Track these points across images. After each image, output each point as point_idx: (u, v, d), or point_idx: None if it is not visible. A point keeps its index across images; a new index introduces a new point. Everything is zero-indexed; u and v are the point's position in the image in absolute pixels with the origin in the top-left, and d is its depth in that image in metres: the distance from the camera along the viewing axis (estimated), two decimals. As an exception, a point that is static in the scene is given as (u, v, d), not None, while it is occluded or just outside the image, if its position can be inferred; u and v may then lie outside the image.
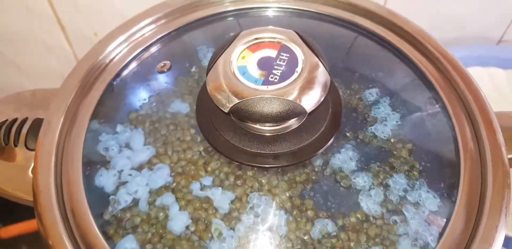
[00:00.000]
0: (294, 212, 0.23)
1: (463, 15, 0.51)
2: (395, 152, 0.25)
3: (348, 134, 0.26)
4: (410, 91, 0.28)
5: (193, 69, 0.29)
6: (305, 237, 0.23)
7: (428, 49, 0.29)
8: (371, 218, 0.23)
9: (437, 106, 0.27)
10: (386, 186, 0.24)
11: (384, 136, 0.26)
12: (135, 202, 0.24)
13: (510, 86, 0.51)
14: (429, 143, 0.26)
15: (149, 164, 0.26)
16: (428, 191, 0.24)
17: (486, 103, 0.26)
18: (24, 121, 0.28)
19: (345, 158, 0.25)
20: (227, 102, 0.21)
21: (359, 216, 0.23)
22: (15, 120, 0.28)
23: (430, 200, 0.24)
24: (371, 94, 0.27)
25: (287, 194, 0.24)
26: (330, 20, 0.31)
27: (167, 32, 0.31)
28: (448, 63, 0.28)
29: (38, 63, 0.52)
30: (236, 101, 0.21)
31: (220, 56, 0.22)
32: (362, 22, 0.30)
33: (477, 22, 0.53)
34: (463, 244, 0.22)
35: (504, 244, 0.39)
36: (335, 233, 0.23)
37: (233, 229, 0.23)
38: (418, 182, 0.24)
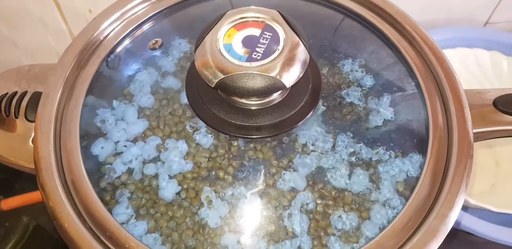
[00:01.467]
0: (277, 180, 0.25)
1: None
2: (368, 123, 0.27)
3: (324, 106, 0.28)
4: (387, 69, 0.30)
5: (183, 47, 0.30)
6: (286, 203, 0.25)
7: (406, 29, 0.30)
8: (345, 187, 0.25)
9: (412, 83, 0.29)
10: (358, 154, 0.26)
11: (359, 108, 0.28)
12: (130, 171, 0.26)
13: (493, 66, 0.52)
14: (401, 116, 0.28)
15: (143, 137, 0.28)
16: (397, 159, 0.26)
17: (457, 80, 0.28)
18: (24, 94, 0.30)
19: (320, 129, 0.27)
20: (213, 78, 0.23)
21: (333, 184, 0.26)
22: (15, 93, 0.30)
23: (399, 168, 0.26)
24: (350, 72, 0.29)
25: (271, 162, 0.26)
26: (314, 0, 0.32)
27: (159, 10, 0.32)
28: (424, 43, 0.29)
29: (35, 40, 0.53)
30: (222, 76, 0.23)
31: (207, 34, 0.24)
32: (345, 3, 0.32)
33: (465, 4, 0.55)
34: (427, 207, 0.24)
35: (488, 218, 0.42)
36: (313, 203, 0.25)
37: (221, 196, 0.25)
38: (388, 152, 0.26)
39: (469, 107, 0.27)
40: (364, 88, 0.29)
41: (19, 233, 0.52)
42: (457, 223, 0.42)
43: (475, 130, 0.27)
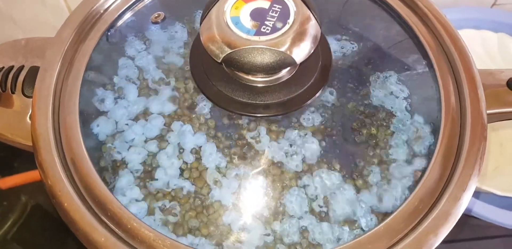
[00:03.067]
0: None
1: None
2: (381, 105, 0.26)
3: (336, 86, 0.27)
4: (400, 48, 0.29)
5: (187, 20, 0.29)
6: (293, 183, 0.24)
7: (420, 8, 0.29)
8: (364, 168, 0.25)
9: (424, 62, 0.28)
10: (375, 137, 0.25)
11: (372, 90, 0.27)
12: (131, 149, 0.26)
13: (500, 48, 0.51)
14: (414, 96, 0.27)
15: (144, 115, 0.27)
16: (409, 141, 0.25)
17: (471, 60, 0.27)
18: (21, 68, 0.29)
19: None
20: (219, 52, 0.22)
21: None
22: (11, 67, 0.29)
23: (411, 149, 0.25)
24: (361, 50, 0.28)
25: (278, 142, 0.25)
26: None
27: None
28: (437, 22, 0.28)
29: (33, 15, 0.51)
30: (229, 51, 0.22)
31: (213, 6, 0.23)
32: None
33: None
34: (439, 189, 0.24)
35: (491, 201, 0.42)
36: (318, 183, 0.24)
37: (225, 175, 0.24)
38: (401, 133, 0.26)
39: (483, 87, 0.26)
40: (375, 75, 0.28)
41: (18, 212, 0.52)
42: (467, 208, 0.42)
43: (488, 111, 0.26)
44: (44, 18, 0.51)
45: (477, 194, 0.44)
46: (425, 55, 0.28)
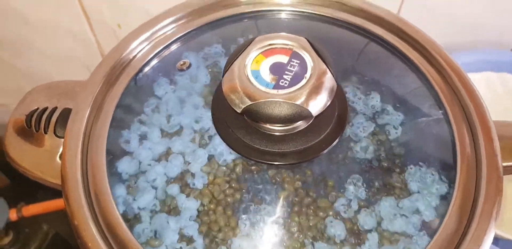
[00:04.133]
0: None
1: (479, 19, 0.52)
2: (395, 155, 0.27)
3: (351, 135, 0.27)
4: (414, 98, 0.30)
5: (211, 69, 0.31)
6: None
7: (434, 57, 0.30)
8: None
9: (440, 112, 0.29)
10: (389, 194, 0.26)
11: (389, 138, 0.27)
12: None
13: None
14: (429, 147, 0.28)
15: (166, 155, 0.28)
16: (425, 194, 0.26)
17: (486, 112, 0.27)
18: (54, 110, 0.31)
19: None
20: (240, 103, 0.23)
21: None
22: (45, 108, 0.31)
23: (427, 203, 0.25)
24: (376, 98, 0.29)
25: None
26: (342, 25, 0.32)
27: (187, 31, 0.33)
28: (452, 72, 0.29)
29: (64, 51, 0.54)
30: (249, 102, 0.23)
31: (235, 59, 0.24)
32: (373, 28, 0.32)
33: (492, 26, 0.54)
34: (454, 243, 0.24)
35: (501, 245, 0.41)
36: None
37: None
38: (415, 185, 0.26)
39: (498, 138, 0.27)
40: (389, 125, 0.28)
41: (39, 240, 0.53)
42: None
43: (504, 164, 0.26)
44: (74, 53, 0.54)
45: (496, 241, 0.43)
46: (441, 106, 0.29)
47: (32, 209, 0.51)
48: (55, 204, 0.50)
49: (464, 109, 0.28)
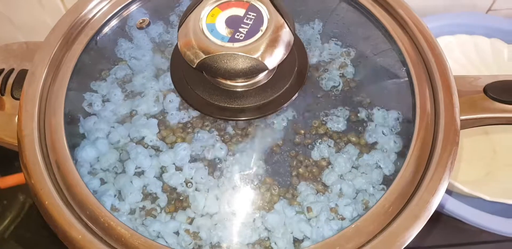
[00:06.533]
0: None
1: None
2: (355, 107, 0.27)
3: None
4: (378, 55, 0.30)
5: (170, 26, 0.30)
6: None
7: (399, 14, 0.29)
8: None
9: (403, 69, 0.29)
10: (348, 142, 0.26)
11: (347, 94, 0.27)
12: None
13: (493, 54, 0.51)
14: (389, 100, 0.28)
15: (130, 117, 0.27)
16: (383, 145, 0.26)
17: (447, 67, 0.27)
18: (11, 71, 0.30)
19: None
20: (194, 58, 0.23)
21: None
22: (1, 70, 0.30)
23: (384, 153, 0.26)
24: (339, 55, 0.29)
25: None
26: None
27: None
28: (416, 28, 0.29)
29: (31, 17, 0.52)
30: (203, 56, 0.22)
31: (190, 13, 0.23)
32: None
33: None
34: (409, 193, 0.24)
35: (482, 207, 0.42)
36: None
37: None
38: (374, 135, 0.26)
39: (459, 93, 0.27)
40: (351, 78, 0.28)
41: (16, 210, 0.53)
42: (450, 211, 0.42)
43: (463, 117, 0.26)
44: (42, 20, 0.52)
45: (468, 199, 0.44)
46: (404, 62, 0.28)
47: (8, 180, 0.51)
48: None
49: (426, 66, 0.28)
